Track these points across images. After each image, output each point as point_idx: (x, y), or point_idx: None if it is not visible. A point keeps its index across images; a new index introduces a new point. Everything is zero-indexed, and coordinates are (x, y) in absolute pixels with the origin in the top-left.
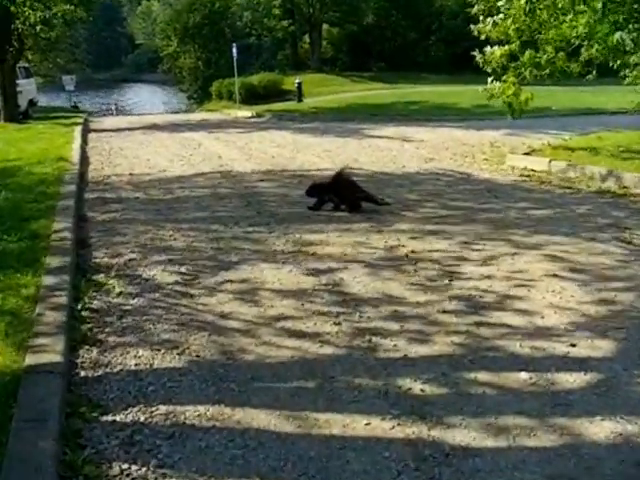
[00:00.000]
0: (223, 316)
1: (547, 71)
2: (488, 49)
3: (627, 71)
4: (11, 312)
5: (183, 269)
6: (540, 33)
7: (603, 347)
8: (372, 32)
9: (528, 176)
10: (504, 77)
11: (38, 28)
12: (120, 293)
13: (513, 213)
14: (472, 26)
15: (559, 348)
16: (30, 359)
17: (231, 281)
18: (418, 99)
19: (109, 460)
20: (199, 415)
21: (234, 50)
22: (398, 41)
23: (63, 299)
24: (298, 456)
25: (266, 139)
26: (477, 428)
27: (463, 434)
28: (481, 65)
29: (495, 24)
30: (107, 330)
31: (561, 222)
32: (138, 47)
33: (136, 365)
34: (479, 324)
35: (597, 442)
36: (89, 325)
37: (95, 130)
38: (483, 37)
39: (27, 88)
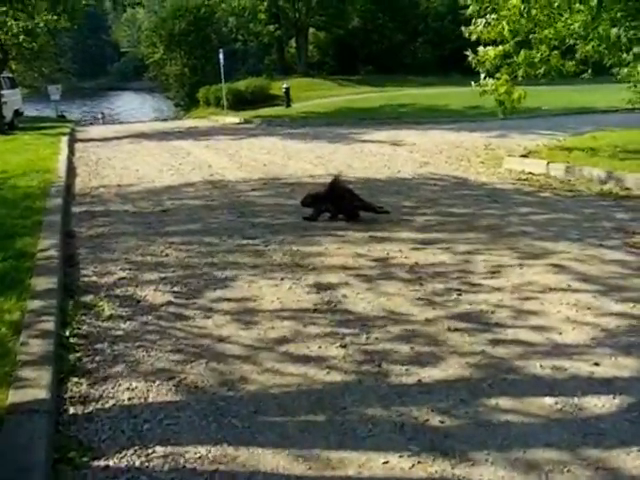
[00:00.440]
0: (221, 340)
1: (542, 70)
2: (481, 49)
3: (619, 69)
4: None
5: (176, 288)
6: (534, 33)
7: (628, 365)
8: (358, 35)
9: (526, 179)
10: (497, 75)
11: (21, 38)
12: (110, 316)
13: (515, 219)
14: (463, 28)
15: (582, 368)
16: (13, 396)
17: (228, 300)
18: (407, 102)
19: None
20: (200, 457)
21: (221, 56)
22: (385, 44)
23: (50, 325)
24: None
25: (256, 146)
26: (505, 464)
27: (490, 472)
28: (474, 66)
29: (488, 25)
30: (97, 359)
31: (566, 227)
32: (124, 55)
33: (130, 399)
34: (494, 343)
35: (637, 478)
36: (78, 354)
37: (82, 140)
38: (474, 38)
39: (12, 99)
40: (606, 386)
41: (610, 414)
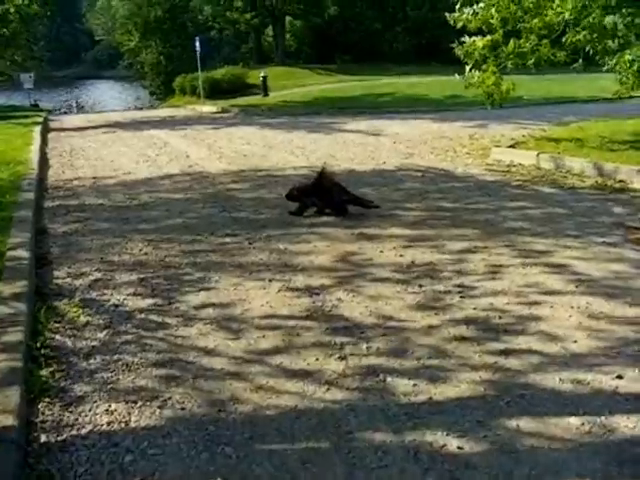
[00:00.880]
0: (207, 352)
1: (532, 60)
2: (468, 39)
3: (606, 58)
4: None
5: (157, 291)
6: (523, 21)
7: None
8: (336, 24)
9: (516, 171)
10: (484, 66)
11: None
12: (86, 324)
13: (509, 213)
14: (447, 15)
15: (605, 382)
16: None
17: (213, 305)
18: (387, 91)
19: None
20: None
21: (197, 44)
22: (362, 32)
23: (18, 335)
24: None
25: (235, 136)
26: None
27: None
28: (462, 58)
29: (475, 13)
30: (72, 374)
31: (564, 223)
32: (98, 43)
33: (109, 424)
34: (505, 353)
35: None
36: (50, 369)
37: (55, 129)
38: (460, 26)
39: None
40: (633, 403)
41: None
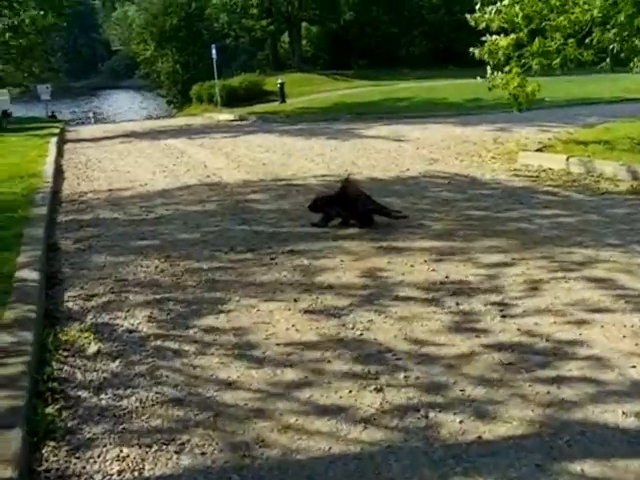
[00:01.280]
0: (228, 385)
1: (557, 60)
2: (490, 38)
3: (636, 59)
4: None
5: (173, 314)
6: (548, 20)
7: None
8: (352, 29)
9: (546, 176)
10: (507, 68)
11: (7, 36)
12: (97, 353)
13: (543, 222)
14: (468, 16)
15: None
16: None
17: (234, 330)
18: (405, 95)
19: None
20: None
21: (213, 51)
22: (379, 37)
23: (23, 367)
24: None
25: (253, 144)
26: None
27: None
28: (486, 58)
29: (498, 11)
30: (80, 413)
31: (603, 231)
32: (115, 53)
33: (120, 473)
34: (557, 382)
35: None
36: (57, 405)
37: (72, 140)
38: (481, 27)
39: None
40: None
41: None
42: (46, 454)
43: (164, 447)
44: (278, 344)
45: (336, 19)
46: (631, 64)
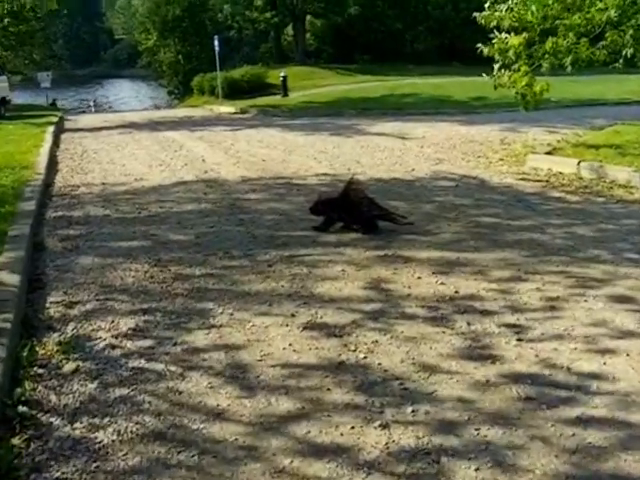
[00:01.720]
0: (217, 415)
1: (569, 60)
2: (500, 37)
3: None
4: None
5: (160, 328)
6: (562, 18)
7: None
8: (357, 23)
9: (556, 181)
10: (515, 66)
11: (6, 21)
12: (74, 371)
13: (556, 232)
14: (477, 14)
15: None
16: None
17: (225, 347)
18: (410, 92)
19: None
20: None
21: (216, 42)
22: (384, 32)
23: None
24: None
25: (253, 139)
26: None
27: None
28: (495, 56)
29: (510, 10)
30: (50, 445)
31: (619, 243)
32: (118, 42)
33: None
34: (583, 422)
35: None
36: (25, 435)
37: (69, 130)
38: (491, 25)
39: None
40: None
41: None
42: None
43: None
44: (273, 366)
45: (341, 13)
46: None
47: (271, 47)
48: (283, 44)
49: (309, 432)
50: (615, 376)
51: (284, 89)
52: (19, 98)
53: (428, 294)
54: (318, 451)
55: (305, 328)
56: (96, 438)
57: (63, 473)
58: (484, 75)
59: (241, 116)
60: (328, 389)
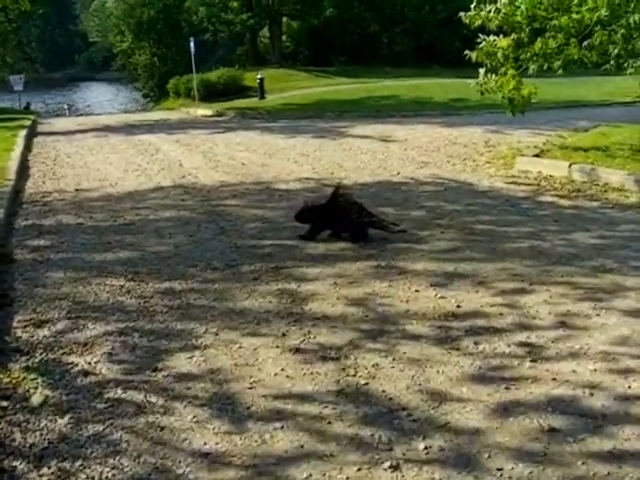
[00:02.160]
0: (204, 457)
1: (559, 62)
2: (488, 39)
3: (632, 61)
4: None
5: (138, 351)
6: (551, 19)
7: None
8: (333, 25)
9: (548, 185)
10: (502, 70)
11: None
12: (43, 404)
13: (556, 239)
14: (462, 14)
15: None
16: None
17: (211, 374)
18: (388, 94)
19: None
20: None
21: (192, 45)
22: (360, 34)
23: None
24: None
25: (232, 142)
26: None
27: None
28: (484, 60)
29: (498, 10)
30: None
31: (623, 251)
32: (92, 45)
33: None
34: (617, 457)
35: None
36: None
37: (42, 133)
38: (476, 25)
39: None
40: None
41: None
42: None
43: None
44: (265, 396)
45: (317, 15)
46: (625, 64)
47: (247, 49)
48: (259, 46)
49: (310, 475)
50: None
51: (261, 91)
52: None
53: (428, 310)
54: None
55: (297, 350)
56: None
57: None
58: (468, 80)
59: (218, 119)
60: (329, 422)
